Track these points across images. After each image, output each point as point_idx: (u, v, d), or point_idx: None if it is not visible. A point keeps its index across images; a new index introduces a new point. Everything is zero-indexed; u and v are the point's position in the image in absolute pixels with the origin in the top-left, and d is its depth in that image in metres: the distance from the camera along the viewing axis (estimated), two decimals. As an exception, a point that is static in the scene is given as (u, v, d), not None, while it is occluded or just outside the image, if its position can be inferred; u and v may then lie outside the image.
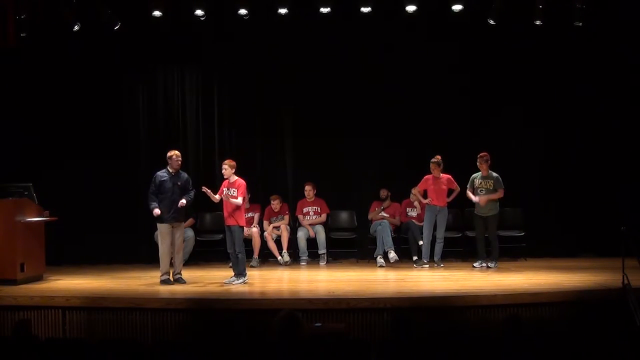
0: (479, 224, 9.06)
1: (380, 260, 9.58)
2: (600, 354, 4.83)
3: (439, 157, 9.15)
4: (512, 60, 10.19)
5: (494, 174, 8.94)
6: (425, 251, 9.22)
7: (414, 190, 9.64)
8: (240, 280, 8.14)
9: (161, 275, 8.35)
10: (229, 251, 8.32)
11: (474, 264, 9.08)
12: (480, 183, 8.95)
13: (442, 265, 9.22)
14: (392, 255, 9.48)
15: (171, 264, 8.42)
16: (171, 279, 8.35)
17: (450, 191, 9.31)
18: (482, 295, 7.27)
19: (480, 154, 8.96)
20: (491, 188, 8.89)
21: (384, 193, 10.16)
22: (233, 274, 8.25)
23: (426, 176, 9.23)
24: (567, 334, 5.81)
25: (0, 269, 8.08)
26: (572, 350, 4.85)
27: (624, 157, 10.11)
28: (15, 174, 9.38)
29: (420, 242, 9.44)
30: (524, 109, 10.29)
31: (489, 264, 8.98)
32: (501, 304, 6.98)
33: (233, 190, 8.18)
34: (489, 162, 8.92)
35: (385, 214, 10.08)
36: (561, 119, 10.27)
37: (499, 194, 8.89)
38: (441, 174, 9.16)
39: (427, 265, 9.19)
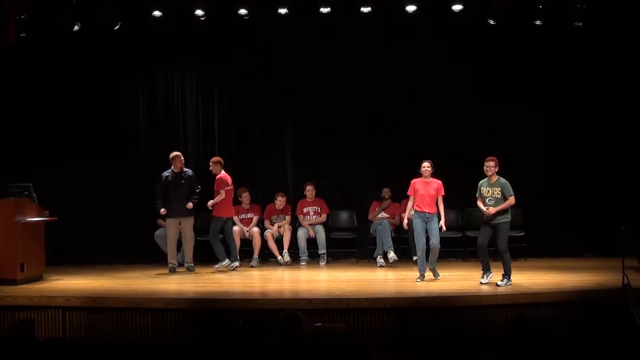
0: (485, 231, 7.82)
1: (380, 260, 9.57)
2: (600, 354, 4.83)
3: (430, 161, 8.28)
4: (511, 60, 10.19)
5: (502, 180, 7.79)
6: (422, 263, 8.15)
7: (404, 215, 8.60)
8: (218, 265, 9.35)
9: (168, 263, 9.23)
10: None
11: (481, 280, 7.82)
12: (488, 191, 7.82)
13: (439, 276, 8.21)
14: (392, 255, 9.48)
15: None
16: (176, 264, 9.24)
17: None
18: (482, 295, 7.29)
19: (488, 158, 7.84)
20: (499, 196, 7.73)
21: (387, 193, 10.15)
22: (230, 270, 9.26)
23: (414, 180, 8.26)
24: (567, 334, 5.81)
25: (0, 269, 8.08)
26: (572, 350, 4.85)
27: (624, 157, 10.10)
28: (15, 174, 9.39)
29: (414, 257, 8.91)
30: (524, 108, 10.29)
31: (499, 282, 7.69)
32: (501, 304, 7.00)
33: None
34: (497, 167, 7.79)
35: (385, 214, 10.08)
36: (561, 119, 10.26)
37: (509, 201, 7.69)
38: (431, 178, 8.24)
39: (421, 281, 8.12)
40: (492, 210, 7.69)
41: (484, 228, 7.88)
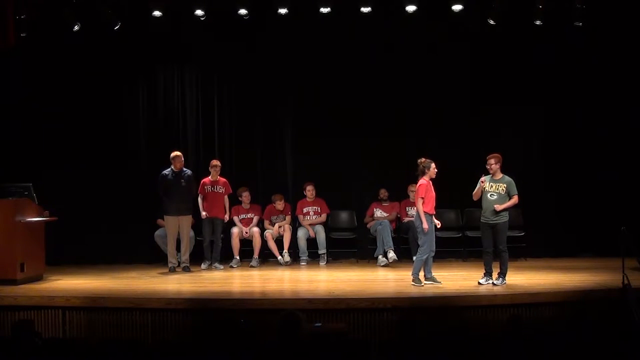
0: (487, 234, 7.80)
1: (382, 259, 9.57)
2: (600, 354, 4.83)
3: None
4: (511, 60, 10.19)
5: (508, 178, 7.78)
6: (419, 267, 7.87)
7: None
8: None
9: (168, 262, 9.29)
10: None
11: (480, 280, 7.79)
12: (492, 186, 7.75)
13: (441, 283, 7.87)
14: (392, 255, 9.47)
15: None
16: (176, 264, 9.30)
17: None
18: (482, 295, 7.28)
19: (489, 156, 7.86)
20: (503, 193, 7.70)
21: (384, 194, 10.16)
22: (223, 270, 9.48)
23: (423, 182, 7.87)
24: (567, 334, 5.81)
25: (0, 269, 8.08)
26: (572, 350, 4.85)
27: (624, 157, 10.10)
28: (15, 174, 9.39)
29: (414, 258, 8.45)
30: (524, 108, 10.28)
31: (495, 281, 7.72)
32: (501, 304, 6.99)
33: None
34: (498, 164, 7.76)
35: (384, 213, 10.09)
36: (561, 119, 10.27)
37: (514, 200, 7.70)
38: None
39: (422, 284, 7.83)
40: (499, 207, 7.65)
41: (485, 231, 7.85)
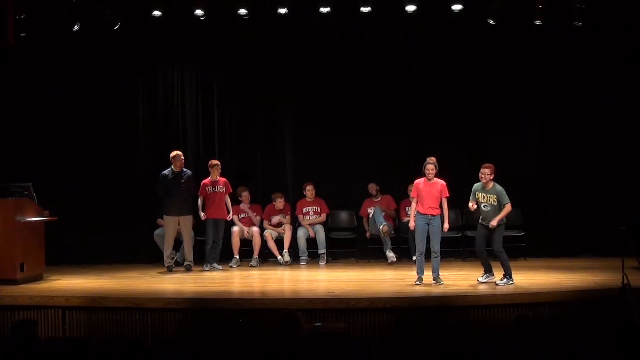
0: (481, 234, 7.82)
1: (390, 254, 9.59)
2: (600, 354, 4.83)
3: (434, 158, 7.92)
4: (511, 60, 10.19)
5: (498, 187, 7.69)
6: (420, 266, 7.90)
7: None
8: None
9: (165, 262, 9.32)
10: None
11: (480, 278, 7.85)
12: (484, 197, 7.71)
13: (442, 282, 7.82)
14: (391, 255, 9.48)
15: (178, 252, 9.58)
16: (173, 264, 9.31)
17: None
18: (482, 295, 7.29)
19: (484, 165, 7.75)
20: (495, 203, 7.66)
21: (373, 188, 10.16)
22: (223, 270, 9.44)
23: (417, 181, 7.98)
24: (567, 334, 5.81)
25: (0, 269, 8.08)
26: (572, 350, 4.84)
27: (624, 157, 10.10)
28: (15, 174, 9.39)
29: (414, 258, 8.80)
30: (524, 109, 10.29)
31: (498, 282, 7.71)
32: (501, 304, 7.00)
33: None
34: (492, 175, 7.69)
35: (381, 207, 10.09)
36: (561, 119, 10.27)
37: (507, 210, 7.63)
38: (435, 179, 7.90)
39: (419, 283, 7.88)
40: (494, 224, 7.61)
41: (479, 231, 7.86)
